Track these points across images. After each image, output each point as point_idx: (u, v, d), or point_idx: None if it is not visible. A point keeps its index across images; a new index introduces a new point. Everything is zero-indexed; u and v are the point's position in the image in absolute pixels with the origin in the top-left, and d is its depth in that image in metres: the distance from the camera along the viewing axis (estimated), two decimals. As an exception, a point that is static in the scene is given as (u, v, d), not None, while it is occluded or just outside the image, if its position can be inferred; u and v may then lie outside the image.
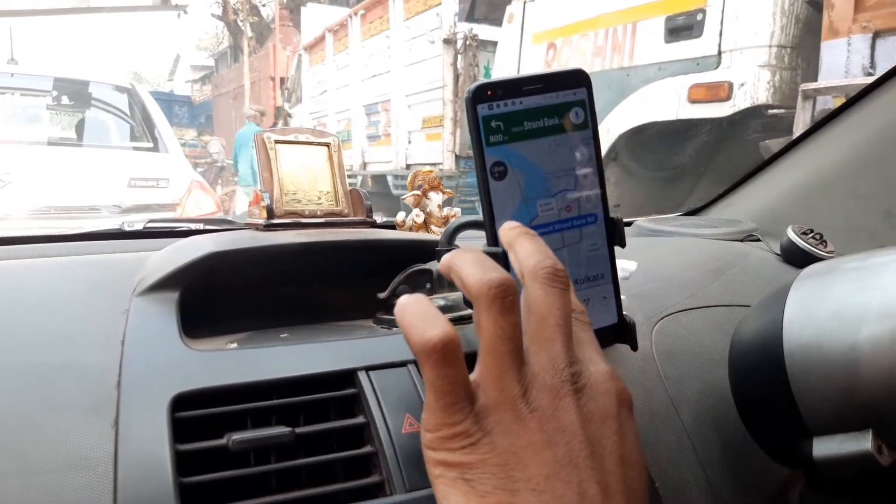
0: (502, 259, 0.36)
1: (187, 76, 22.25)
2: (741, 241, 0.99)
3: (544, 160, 0.37)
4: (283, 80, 12.44)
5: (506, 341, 0.30)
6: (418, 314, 0.31)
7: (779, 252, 0.92)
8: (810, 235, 0.90)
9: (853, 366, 0.52)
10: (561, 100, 0.38)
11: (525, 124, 0.37)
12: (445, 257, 0.35)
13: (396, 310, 0.32)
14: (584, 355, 0.34)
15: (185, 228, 0.94)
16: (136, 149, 3.71)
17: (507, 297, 0.31)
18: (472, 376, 0.31)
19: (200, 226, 1.00)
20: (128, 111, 3.82)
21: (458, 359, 0.30)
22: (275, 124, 10.19)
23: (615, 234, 0.41)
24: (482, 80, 0.39)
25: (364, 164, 7.97)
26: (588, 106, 0.38)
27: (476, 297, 0.31)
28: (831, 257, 0.88)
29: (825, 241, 0.90)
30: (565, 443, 0.30)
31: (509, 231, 0.36)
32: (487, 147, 0.36)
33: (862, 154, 1.01)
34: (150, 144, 3.69)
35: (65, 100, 4.02)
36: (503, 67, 5.26)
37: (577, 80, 0.38)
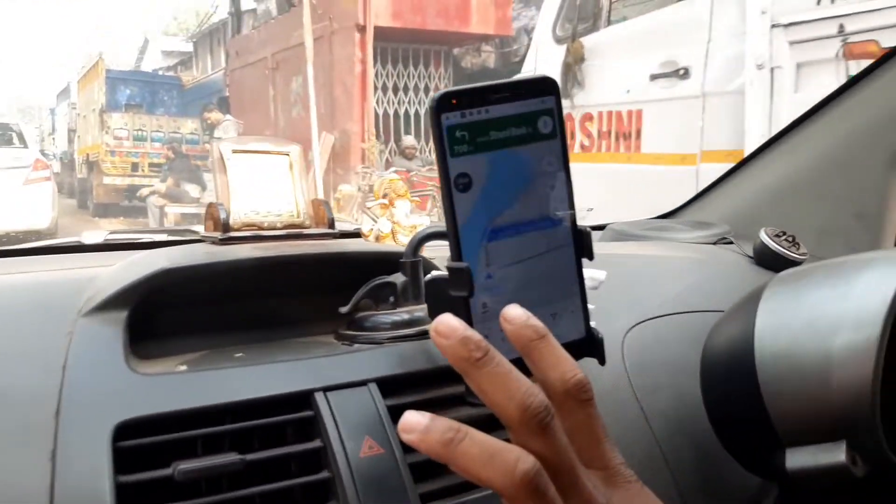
0: (467, 274, 0.35)
1: (157, 63, 18.95)
2: (714, 244, 0.98)
3: (512, 171, 0.37)
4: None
5: None
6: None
7: (751, 255, 0.91)
8: (783, 238, 0.89)
9: (826, 376, 0.51)
10: (528, 108, 0.37)
11: (491, 134, 0.36)
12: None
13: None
14: (593, 481, 0.34)
15: (146, 240, 0.92)
16: (18, 147, 9.31)
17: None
18: None
19: (164, 237, 0.97)
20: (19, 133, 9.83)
21: (545, 486, 0.30)
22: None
23: (583, 246, 0.40)
24: (445, 88, 0.37)
25: None
26: (556, 114, 0.37)
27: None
28: (804, 259, 0.87)
29: (797, 244, 0.89)
30: None
31: (521, 332, 0.33)
32: (452, 157, 0.35)
33: (834, 156, 1.00)
34: (24, 146, 9.36)
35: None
36: None
37: (545, 87, 0.37)
